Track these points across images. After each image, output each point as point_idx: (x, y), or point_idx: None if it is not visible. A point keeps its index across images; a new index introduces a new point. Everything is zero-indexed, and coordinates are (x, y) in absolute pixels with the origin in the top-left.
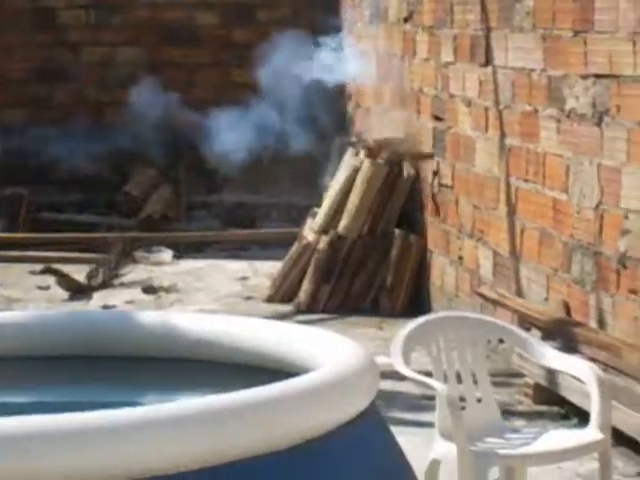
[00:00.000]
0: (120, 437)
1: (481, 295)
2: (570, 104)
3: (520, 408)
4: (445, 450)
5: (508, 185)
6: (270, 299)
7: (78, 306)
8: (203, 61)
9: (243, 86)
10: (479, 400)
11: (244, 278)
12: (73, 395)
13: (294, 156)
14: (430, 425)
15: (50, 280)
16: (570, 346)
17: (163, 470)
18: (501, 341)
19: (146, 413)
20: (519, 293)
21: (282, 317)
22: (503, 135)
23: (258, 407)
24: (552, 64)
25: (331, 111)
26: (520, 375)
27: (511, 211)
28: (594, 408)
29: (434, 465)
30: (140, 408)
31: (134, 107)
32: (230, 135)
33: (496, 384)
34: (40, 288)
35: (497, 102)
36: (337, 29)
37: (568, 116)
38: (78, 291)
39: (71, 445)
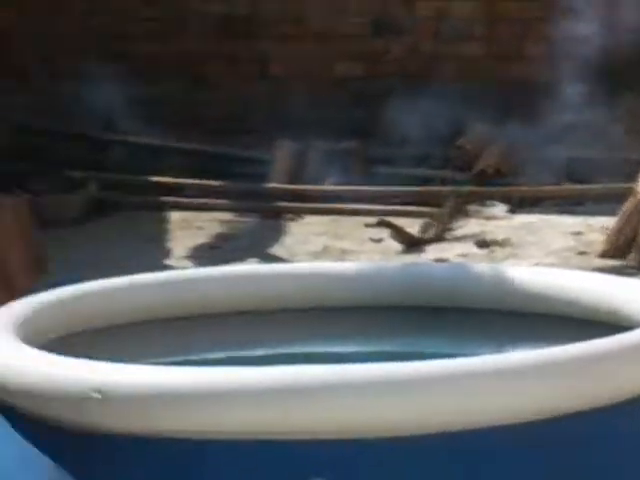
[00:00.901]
0: (458, 386)
1: None
2: None
3: None
4: None
5: None
6: (604, 254)
7: (411, 259)
8: (537, 15)
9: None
10: None
11: (578, 233)
12: (411, 345)
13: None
14: None
15: (384, 233)
16: None
17: (501, 420)
18: None
19: (484, 363)
20: None
21: (614, 272)
22: None
23: (599, 359)
24: None
25: None
26: None
27: None
28: None
29: None
30: (480, 358)
31: (466, 62)
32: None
33: None
34: (373, 241)
35: None
36: None
37: None
38: (411, 244)
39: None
